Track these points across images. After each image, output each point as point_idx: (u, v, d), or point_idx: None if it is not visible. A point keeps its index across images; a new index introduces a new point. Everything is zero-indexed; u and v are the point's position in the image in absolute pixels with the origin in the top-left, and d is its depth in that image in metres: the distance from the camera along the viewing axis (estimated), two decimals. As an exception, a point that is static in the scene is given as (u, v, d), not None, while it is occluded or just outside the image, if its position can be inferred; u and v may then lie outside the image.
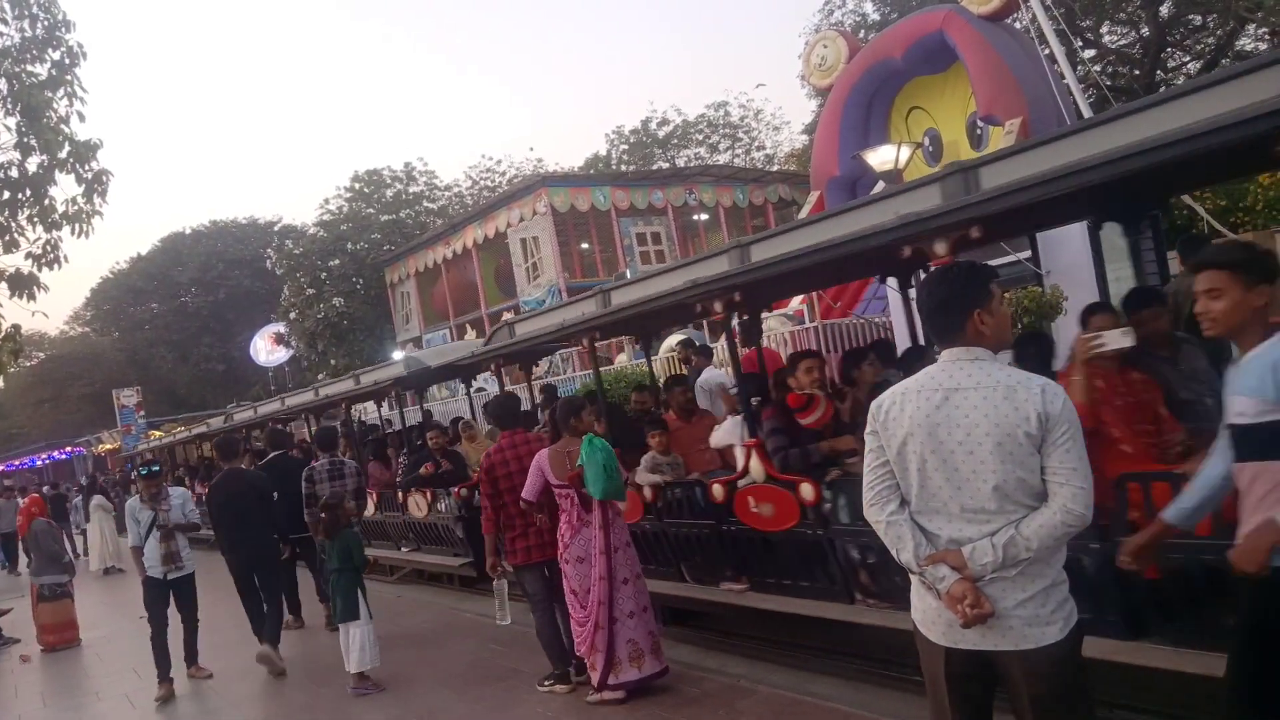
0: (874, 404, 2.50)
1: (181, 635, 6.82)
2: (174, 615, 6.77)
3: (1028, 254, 8.97)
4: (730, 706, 4.60)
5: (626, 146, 37.46)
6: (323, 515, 6.29)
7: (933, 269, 2.53)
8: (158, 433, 33.05)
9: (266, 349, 37.40)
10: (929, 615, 2.40)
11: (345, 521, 6.22)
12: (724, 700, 4.70)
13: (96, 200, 9.84)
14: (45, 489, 21.59)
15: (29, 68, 9.58)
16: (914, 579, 2.46)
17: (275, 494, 7.45)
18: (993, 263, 8.01)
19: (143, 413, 34.46)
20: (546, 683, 5.32)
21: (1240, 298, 2.46)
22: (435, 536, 9.26)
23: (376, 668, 5.96)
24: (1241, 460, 2.49)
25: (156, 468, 7.17)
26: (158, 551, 6.62)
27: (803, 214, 16.46)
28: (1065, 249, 8.67)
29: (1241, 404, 2.47)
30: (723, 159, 35.42)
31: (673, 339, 13.45)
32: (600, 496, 4.85)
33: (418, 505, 9.22)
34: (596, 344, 7.25)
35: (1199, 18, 20.65)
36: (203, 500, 9.44)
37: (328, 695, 6.04)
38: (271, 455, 9.01)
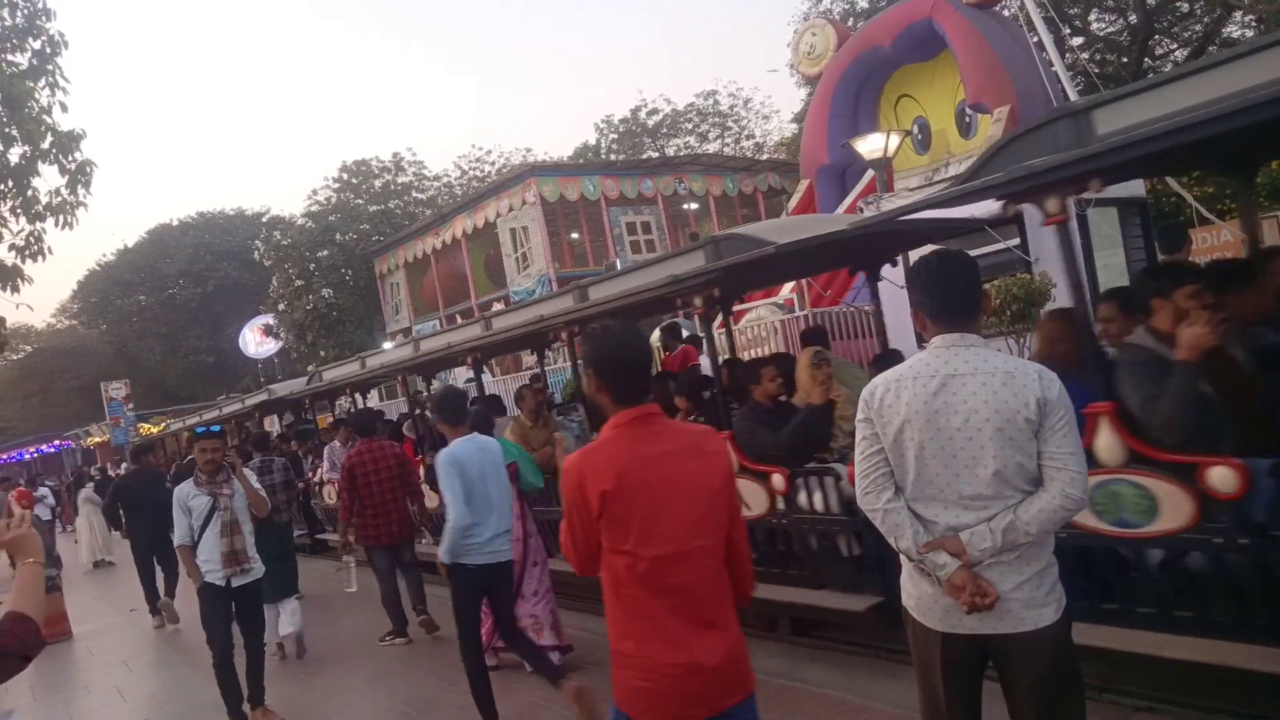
0: (866, 390, 2.48)
1: (244, 664, 5.32)
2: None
3: (1016, 241, 9.00)
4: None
5: (616, 136, 37.36)
6: None
7: (936, 253, 2.48)
8: (147, 425, 32.91)
9: (255, 341, 37.19)
10: (925, 601, 2.40)
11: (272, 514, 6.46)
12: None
13: (80, 191, 9.79)
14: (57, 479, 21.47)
15: (9, 57, 9.50)
16: (906, 565, 2.46)
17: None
18: (981, 250, 8.09)
19: (132, 405, 34.24)
20: (387, 638, 6.65)
21: None
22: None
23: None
24: None
25: (218, 427, 5.66)
26: (218, 548, 5.13)
27: (793, 203, 16.45)
28: (1053, 237, 8.70)
29: None
30: (712, 148, 35.35)
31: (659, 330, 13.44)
32: (529, 490, 5.60)
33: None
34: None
35: (1186, 5, 20.71)
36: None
37: (319, 684, 6.04)
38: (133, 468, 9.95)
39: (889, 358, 5.22)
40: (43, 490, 19.84)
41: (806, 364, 5.03)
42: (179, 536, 5.28)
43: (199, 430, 5.70)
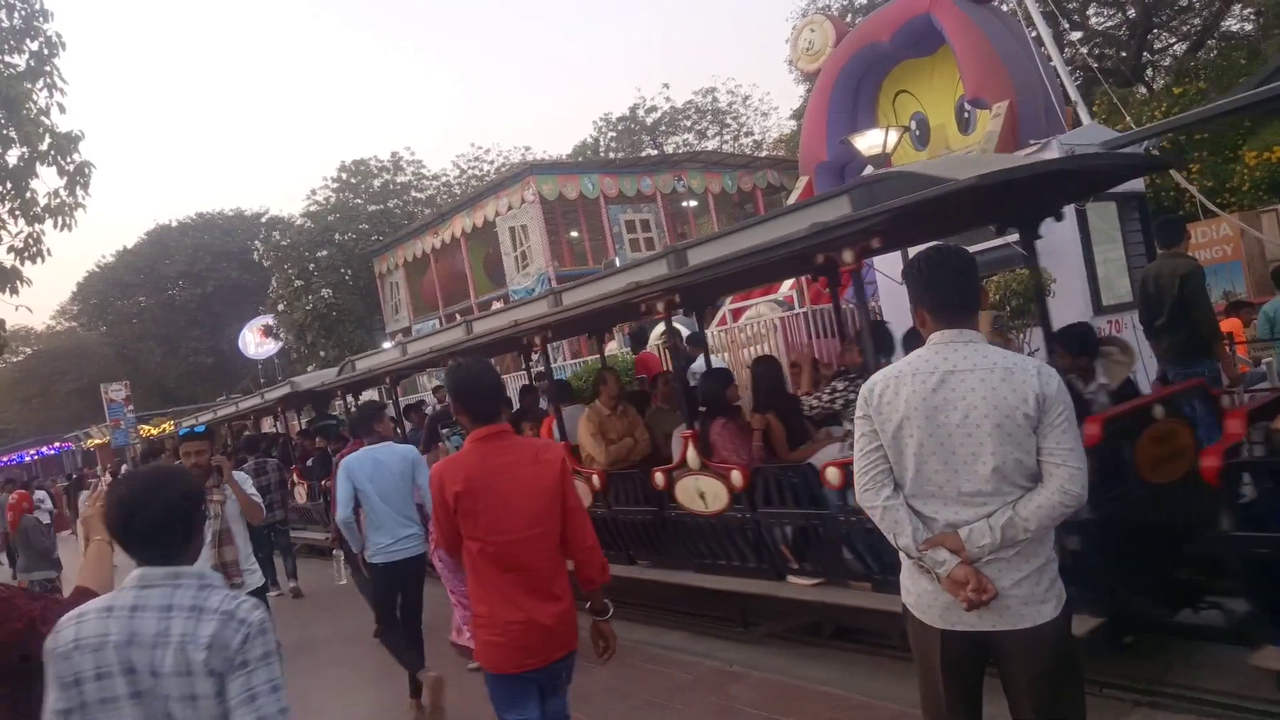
0: (865, 387, 2.48)
1: None
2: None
3: (1016, 237, 8.97)
4: (723, 691, 4.61)
5: (615, 134, 37.33)
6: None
7: (934, 249, 2.46)
8: (147, 427, 32.89)
9: (255, 341, 37.17)
10: (924, 598, 2.40)
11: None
12: (716, 685, 4.72)
13: (79, 193, 9.76)
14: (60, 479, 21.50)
15: (7, 59, 9.47)
16: (905, 562, 2.45)
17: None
18: (981, 245, 8.07)
19: (132, 407, 34.18)
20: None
21: None
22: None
23: None
24: None
25: (203, 428, 5.33)
26: (205, 560, 4.49)
27: (792, 199, 16.43)
28: (1053, 232, 8.63)
29: None
30: (711, 145, 35.33)
31: (660, 327, 13.44)
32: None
33: None
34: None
35: (1185, -1, 20.67)
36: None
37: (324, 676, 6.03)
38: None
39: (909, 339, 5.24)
40: (40, 494, 19.84)
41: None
42: None
43: (182, 431, 5.45)
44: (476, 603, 2.92)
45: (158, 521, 1.96)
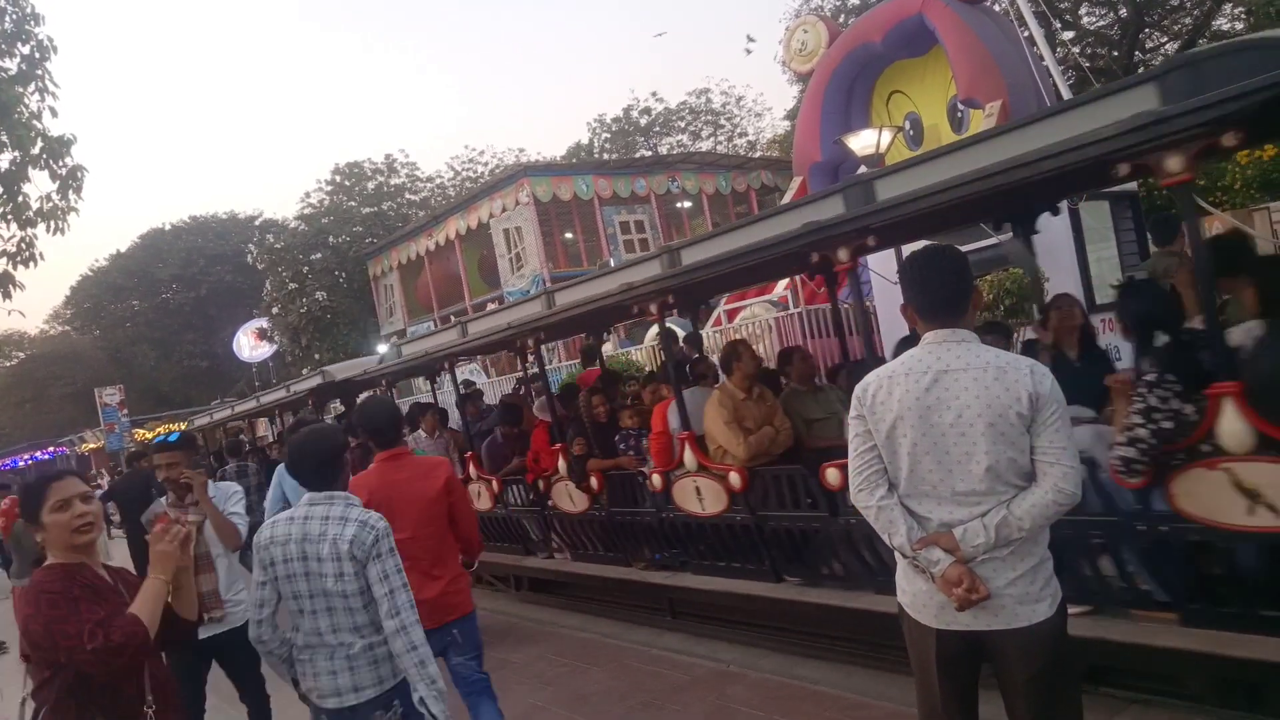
0: (859, 387, 2.48)
1: None
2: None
3: (1009, 236, 8.99)
4: (720, 692, 4.62)
5: (609, 135, 37.35)
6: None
7: (924, 249, 2.47)
8: (142, 431, 32.78)
9: (250, 345, 37.06)
10: (919, 598, 2.40)
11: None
12: (713, 686, 4.72)
13: (72, 197, 9.74)
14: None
15: (-2, 62, 9.44)
16: (901, 562, 2.46)
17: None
18: (974, 245, 8.08)
19: (126, 411, 34.09)
20: None
21: None
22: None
23: None
24: None
25: (176, 436, 4.44)
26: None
27: (786, 199, 16.45)
28: (1046, 230, 8.65)
29: None
30: (705, 146, 35.35)
31: (655, 328, 13.44)
32: None
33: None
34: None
35: (1176, -2, 20.74)
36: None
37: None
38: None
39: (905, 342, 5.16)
40: None
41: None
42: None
43: (156, 440, 4.52)
44: None
45: (318, 462, 2.95)
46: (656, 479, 5.79)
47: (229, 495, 4.23)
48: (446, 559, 3.80)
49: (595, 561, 6.77)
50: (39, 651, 2.32)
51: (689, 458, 5.49)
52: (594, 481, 6.46)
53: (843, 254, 4.18)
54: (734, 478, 5.20)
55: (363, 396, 10.73)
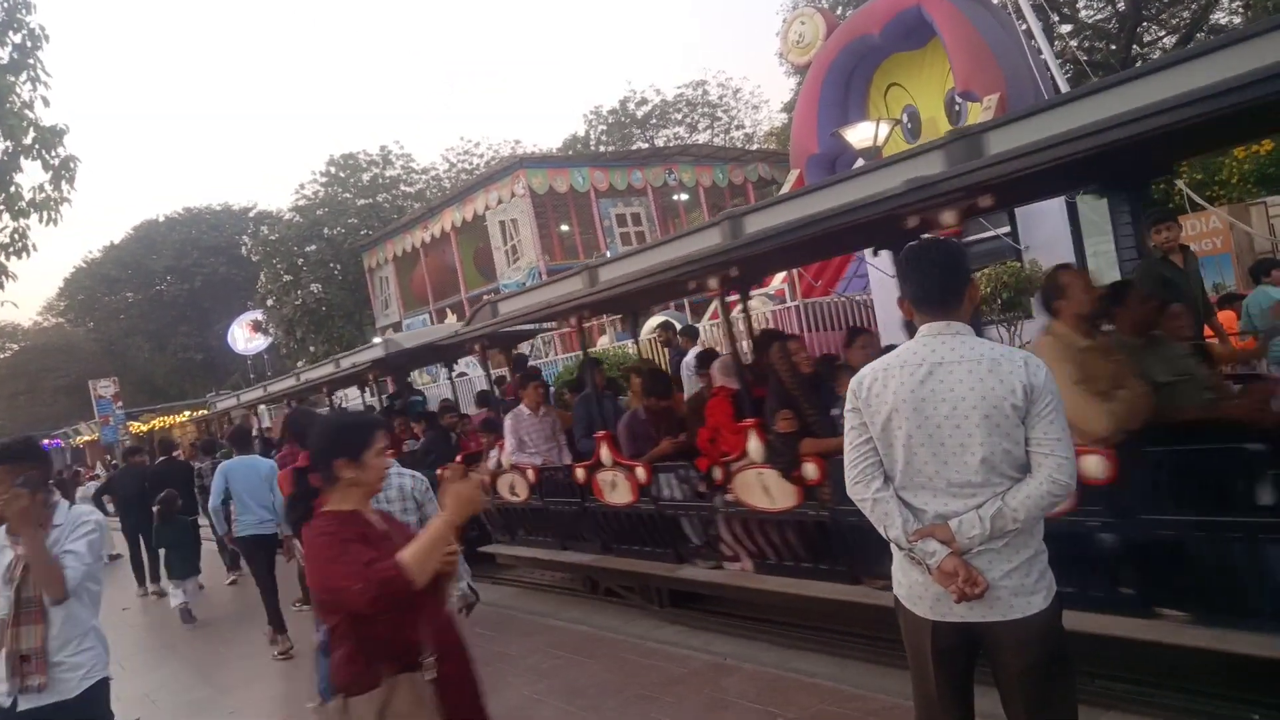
0: (854, 380, 2.48)
1: None
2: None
3: (1006, 229, 9.00)
4: (715, 684, 4.62)
5: (605, 127, 37.21)
6: (156, 508, 8.95)
7: (919, 242, 2.48)
8: (136, 424, 32.70)
9: (244, 337, 36.99)
10: (915, 590, 2.40)
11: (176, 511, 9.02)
12: (709, 678, 4.72)
13: (65, 187, 9.69)
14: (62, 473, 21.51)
15: (-11, 52, 9.36)
16: (897, 554, 2.46)
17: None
18: (971, 238, 8.09)
19: (120, 403, 34.00)
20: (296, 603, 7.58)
21: None
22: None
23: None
24: None
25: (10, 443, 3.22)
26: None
27: (783, 192, 16.42)
28: (1044, 224, 8.70)
29: None
30: (702, 138, 35.25)
31: (653, 321, 13.44)
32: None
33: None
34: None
35: (1174, -9, 20.72)
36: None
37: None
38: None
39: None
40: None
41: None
42: None
43: None
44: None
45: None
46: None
47: (75, 526, 3.12)
48: None
49: (795, 575, 5.05)
50: (320, 596, 2.43)
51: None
52: (811, 469, 4.81)
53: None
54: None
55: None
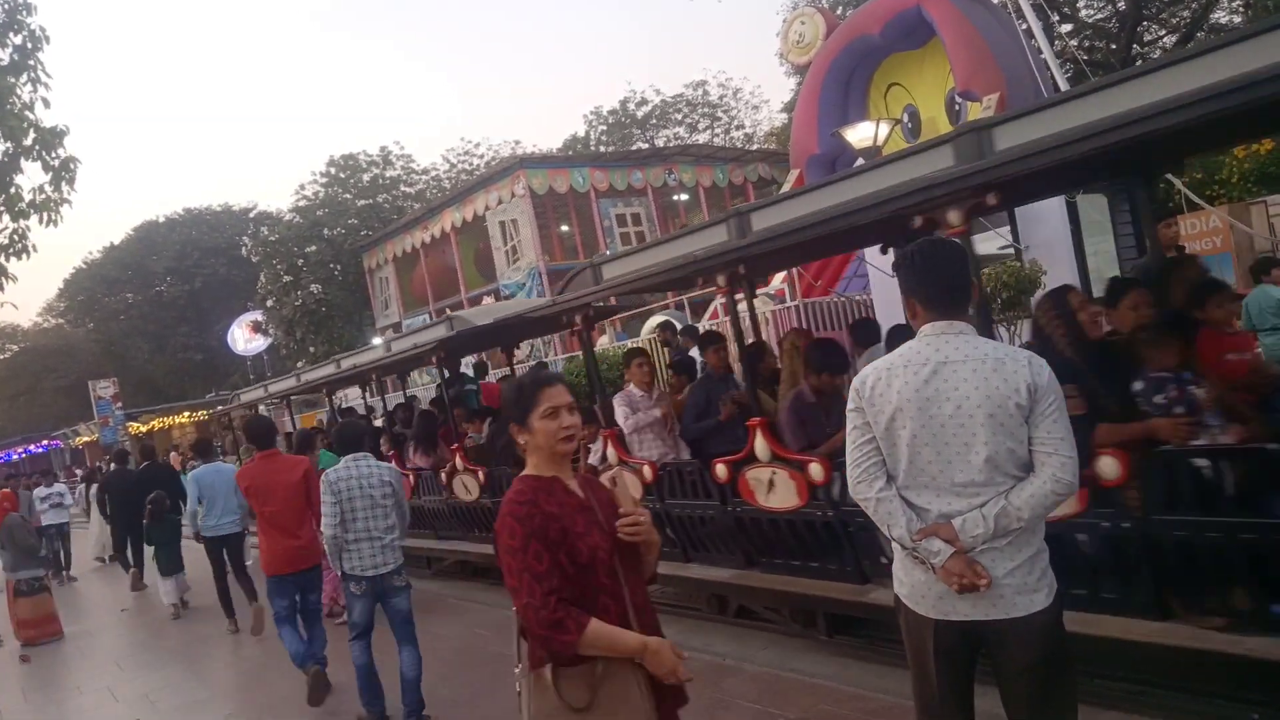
0: (857, 380, 2.47)
1: None
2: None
3: (1006, 229, 8.99)
4: (716, 684, 4.61)
5: (605, 127, 37.24)
6: (148, 507, 9.44)
7: (924, 242, 2.46)
8: (136, 424, 32.68)
9: (244, 337, 37.01)
10: (918, 589, 2.40)
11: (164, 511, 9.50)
12: (710, 679, 4.71)
13: (65, 188, 9.69)
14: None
15: (-10, 53, 9.36)
16: (899, 554, 2.45)
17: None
18: (979, 238, 8.06)
19: (120, 404, 34.01)
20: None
21: None
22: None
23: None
24: None
25: None
26: None
27: (783, 191, 16.40)
28: (1043, 224, 8.69)
29: None
30: (702, 138, 35.27)
31: (653, 320, 13.45)
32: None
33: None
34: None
35: (1174, -9, 20.71)
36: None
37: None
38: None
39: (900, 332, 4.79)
40: (59, 488, 19.75)
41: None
42: None
43: None
44: (261, 538, 5.65)
45: (356, 436, 4.96)
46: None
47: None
48: (304, 524, 5.60)
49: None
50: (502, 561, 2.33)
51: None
52: (1111, 464, 3.46)
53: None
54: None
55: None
